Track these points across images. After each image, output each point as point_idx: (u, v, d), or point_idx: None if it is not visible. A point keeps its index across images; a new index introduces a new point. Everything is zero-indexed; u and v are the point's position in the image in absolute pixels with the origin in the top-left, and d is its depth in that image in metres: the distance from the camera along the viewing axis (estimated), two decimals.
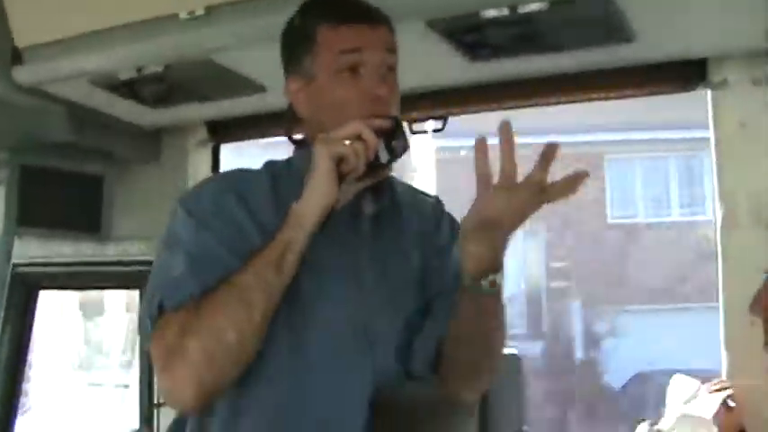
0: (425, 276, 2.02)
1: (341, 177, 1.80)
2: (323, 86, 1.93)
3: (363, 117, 1.85)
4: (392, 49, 1.94)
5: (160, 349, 1.79)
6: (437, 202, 2.17)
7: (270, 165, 2.03)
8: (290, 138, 2.07)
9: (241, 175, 2.01)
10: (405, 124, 1.95)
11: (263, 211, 1.89)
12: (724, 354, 2.83)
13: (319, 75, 1.93)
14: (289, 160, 2.06)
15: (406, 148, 1.86)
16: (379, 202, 2.00)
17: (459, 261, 1.90)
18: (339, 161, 1.79)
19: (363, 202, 1.97)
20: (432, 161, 16.54)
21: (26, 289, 3.94)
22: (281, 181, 1.96)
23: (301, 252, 1.81)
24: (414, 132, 3.15)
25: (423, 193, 2.19)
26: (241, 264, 1.80)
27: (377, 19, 1.94)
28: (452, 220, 2.13)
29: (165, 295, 1.80)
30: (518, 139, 1.68)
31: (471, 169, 1.74)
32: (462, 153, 13.26)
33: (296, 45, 1.98)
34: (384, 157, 1.83)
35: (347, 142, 1.79)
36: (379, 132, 1.81)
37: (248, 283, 1.76)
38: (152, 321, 1.81)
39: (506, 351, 2.37)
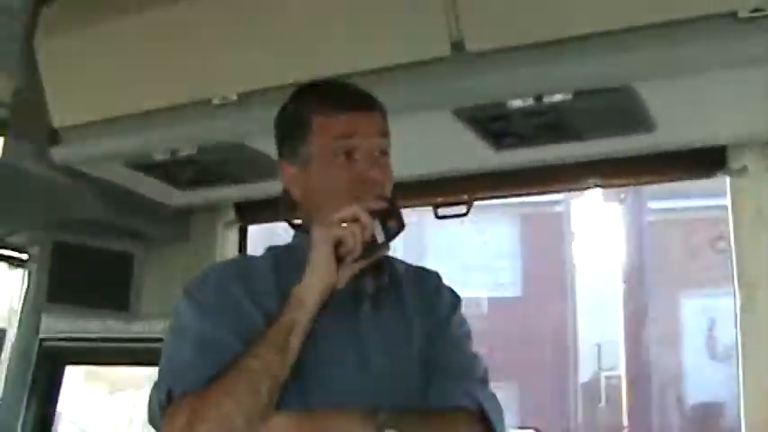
0: (428, 348, 2.03)
1: (340, 259, 1.86)
2: (318, 171, 1.98)
3: (357, 199, 1.89)
4: (384, 134, 2.00)
5: None
6: (437, 276, 2.19)
7: (271, 249, 2.08)
8: (288, 221, 2.14)
9: (243, 260, 2.13)
10: (405, 207, 2.01)
11: (265, 294, 1.93)
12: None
13: (314, 160, 1.99)
14: (288, 244, 2.11)
15: (401, 228, 1.90)
16: (379, 280, 2.03)
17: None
18: (337, 244, 1.84)
19: (364, 281, 2.00)
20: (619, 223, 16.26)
21: (53, 364, 3.97)
22: (281, 264, 2.00)
23: (304, 333, 1.84)
24: (438, 217, 3.20)
25: (423, 268, 2.21)
26: (244, 346, 1.83)
27: (370, 106, 2.00)
28: (452, 292, 2.16)
29: (173, 383, 1.83)
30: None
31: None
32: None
33: (290, 131, 2.05)
34: (380, 237, 1.88)
35: (344, 225, 1.84)
36: (375, 214, 1.87)
37: (254, 368, 1.79)
38: (161, 409, 1.83)
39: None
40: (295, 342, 1.83)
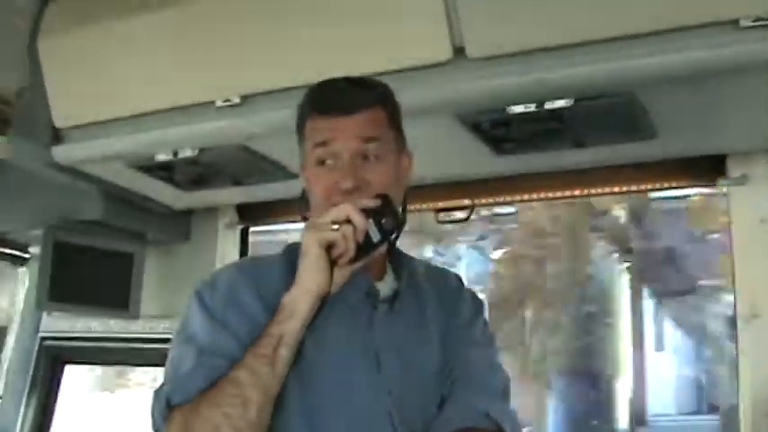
0: (447, 353, 2.00)
1: (333, 263, 1.80)
2: (306, 175, 1.99)
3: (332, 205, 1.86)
4: (369, 137, 1.92)
5: None
6: (458, 278, 2.16)
7: (288, 248, 2.03)
8: (304, 218, 2.07)
9: (256, 263, 2.03)
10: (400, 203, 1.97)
11: (278, 297, 1.87)
12: None
13: (306, 163, 1.98)
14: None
15: (396, 225, 1.87)
16: (396, 283, 2.00)
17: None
18: (329, 247, 1.80)
19: (379, 285, 1.98)
20: None
21: (53, 362, 3.99)
22: (293, 265, 1.93)
23: (296, 344, 1.81)
24: (440, 222, 3.20)
25: (443, 269, 2.20)
26: None
27: (350, 108, 1.93)
28: (474, 295, 2.14)
29: (172, 390, 1.81)
30: None
31: None
32: None
33: (297, 130, 2.02)
34: (375, 236, 1.83)
35: (335, 227, 1.80)
36: (368, 212, 1.82)
37: (242, 380, 1.76)
38: (161, 416, 1.82)
39: None
40: (285, 353, 1.79)
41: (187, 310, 1.94)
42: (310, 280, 1.81)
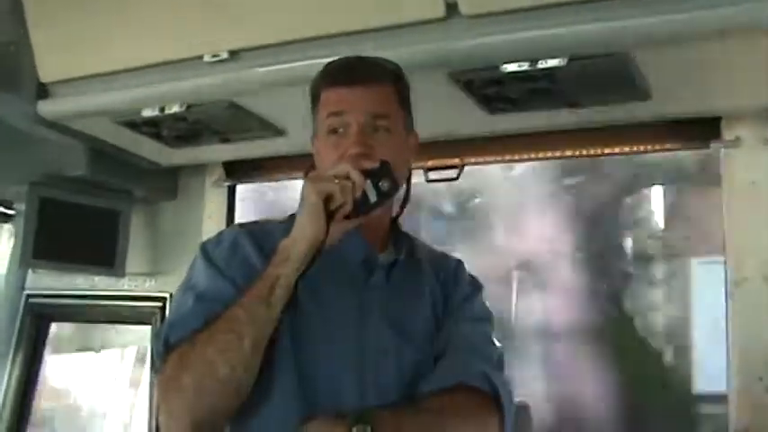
0: (441, 327, 2.05)
1: (330, 215, 1.84)
2: (318, 145, 2.04)
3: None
4: (379, 113, 1.98)
5: (161, 383, 1.87)
6: (458, 262, 2.21)
7: (293, 216, 2.03)
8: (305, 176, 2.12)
9: (262, 225, 2.08)
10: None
11: None
12: (732, 407, 2.80)
13: (318, 133, 2.04)
14: None
15: (394, 188, 1.92)
16: (395, 252, 2.07)
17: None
18: (327, 199, 1.83)
19: (381, 254, 2.04)
20: None
21: (38, 320, 3.98)
22: None
23: (290, 286, 1.84)
24: (429, 180, 3.19)
25: (444, 254, 2.24)
26: None
27: (362, 81, 2.00)
28: (473, 278, 2.19)
29: (169, 332, 1.87)
30: None
31: None
32: None
33: (311, 103, 2.07)
34: (372, 197, 1.88)
35: (336, 181, 1.84)
36: (367, 173, 1.87)
37: (238, 317, 1.80)
38: (159, 355, 1.87)
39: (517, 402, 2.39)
40: (280, 294, 1.83)
41: (191, 264, 2.01)
42: (307, 227, 1.84)
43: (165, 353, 1.85)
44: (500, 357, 2.06)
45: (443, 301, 2.09)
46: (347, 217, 1.86)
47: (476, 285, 2.18)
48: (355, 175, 1.84)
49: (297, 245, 1.84)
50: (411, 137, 2.10)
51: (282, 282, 1.83)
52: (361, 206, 1.87)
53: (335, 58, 2.09)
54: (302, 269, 1.85)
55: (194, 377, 1.78)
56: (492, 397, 1.94)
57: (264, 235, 2.00)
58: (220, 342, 1.78)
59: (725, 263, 2.86)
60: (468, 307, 2.11)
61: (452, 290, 2.12)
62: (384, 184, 1.89)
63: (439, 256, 2.21)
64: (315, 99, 2.06)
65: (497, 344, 2.09)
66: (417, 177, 3.09)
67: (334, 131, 1.98)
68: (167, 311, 3.54)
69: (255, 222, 2.10)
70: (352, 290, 1.98)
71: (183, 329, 1.84)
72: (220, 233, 2.07)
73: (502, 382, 1.97)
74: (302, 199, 1.86)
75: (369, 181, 1.87)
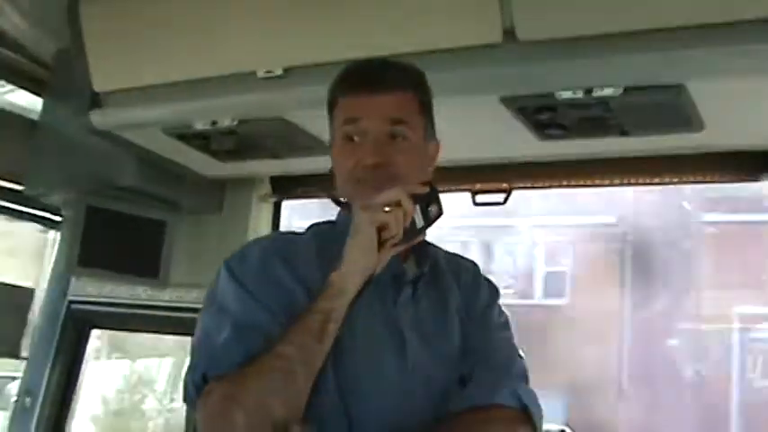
0: (468, 339, 2.03)
1: (380, 244, 1.82)
2: (334, 152, 2.01)
3: (359, 184, 1.91)
4: (398, 119, 1.95)
5: (207, 418, 1.82)
6: (474, 266, 2.19)
7: (315, 228, 2.07)
8: (332, 198, 2.11)
9: (287, 239, 2.06)
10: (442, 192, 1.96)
11: (310, 276, 1.91)
12: None
13: (335, 139, 2.01)
14: (333, 222, 2.10)
15: (440, 213, 1.88)
16: (420, 267, 2.02)
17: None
18: (380, 228, 1.81)
19: (404, 267, 2.00)
20: None
21: (79, 326, 3.99)
22: (326, 244, 1.98)
23: (341, 319, 1.81)
24: (476, 204, 3.18)
25: (461, 257, 2.21)
26: (284, 329, 1.81)
27: (379, 86, 1.96)
28: (490, 283, 2.17)
29: (209, 363, 1.82)
30: None
31: None
32: None
33: (328, 110, 2.05)
34: (419, 222, 1.85)
35: (387, 209, 1.81)
36: (416, 198, 1.84)
37: (291, 355, 1.77)
38: (196, 388, 1.83)
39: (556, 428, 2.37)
40: (332, 329, 1.80)
41: (216, 281, 1.96)
42: (362, 258, 1.82)
43: (203, 384, 1.82)
44: (525, 368, 2.06)
45: (465, 305, 2.07)
46: (395, 244, 1.84)
47: (494, 289, 2.16)
48: (408, 204, 1.81)
49: (351, 277, 1.81)
50: (431, 145, 2.05)
51: (335, 316, 1.80)
52: (409, 233, 1.85)
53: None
54: (353, 301, 1.83)
55: (247, 415, 1.74)
56: (522, 412, 1.93)
57: (291, 250, 1.97)
58: (274, 381, 1.76)
59: None
60: (490, 315, 2.09)
61: (473, 295, 2.10)
62: (432, 209, 1.87)
63: (456, 260, 2.18)
64: (332, 104, 2.03)
65: (521, 353, 2.09)
66: (464, 200, 3.10)
67: (350, 139, 1.96)
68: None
69: (279, 236, 2.09)
70: (383, 307, 1.94)
71: (223, 363, 1.80)
72: (244, 250, 2.02)
73: (531, 397, 1.97)
74: (355, 229, 1.83)
75: (417, 206, 1.84)
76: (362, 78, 1.99)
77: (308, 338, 1.78)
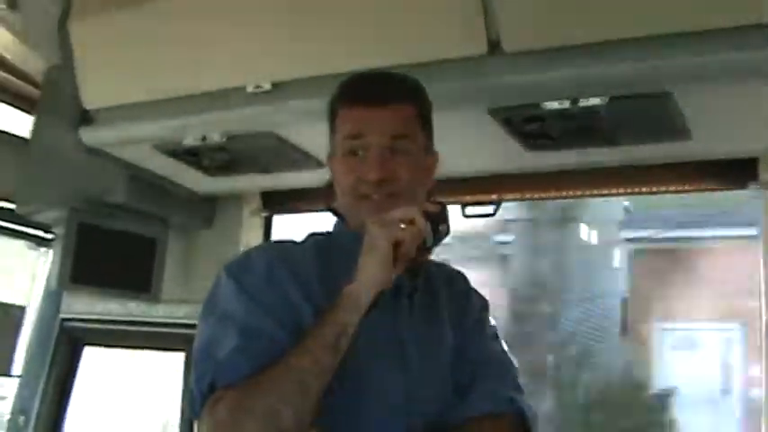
0: (461, 351, 2.05)
1: (394, 260, 1.82)
2: (335, 164, 2.03)
3: (357, 196, 1.95)
4: (400, 134, 1.97)
5: (214, 426, 1.79)
6: (465, 278, 2.21)
7: (314, 237, 2.07)
8: (329, 208, 2.13)
9: (289, 247, 2.04)
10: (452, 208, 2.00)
11: (312, 285, 1.91)
12: None
13: (335, 152, 2.03)
14: (330, 232, 2.11)
15: (448, 231, 1.90)
16: (415, 279, 2.03)
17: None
18: (395, 244, 1.81)
19: (401, 280, 1.98)
20: None
21: (72, 344, 3.99)
22: (325, 254, 1.99)
23: (354, 332, 1.81)
24: (466, 216, 3.18)
25: (451, 268, 2.22)
26: (292, 338, 1.81)
27: (382, 101, 1.98)
28: (480, 294, 2.19)
29: (217, 373, 1.80)
30: None
31: None
32: None
33: (329, 121, 2.06)
34: (429, 240, 1.86)
35: (403, 226, 1.82)
36: (428, 216, 1.85)
37: (304, 367, 1.77)
38: (202, 397, 1.81)
39: None
40: (345, 343, 1.80)
41: (216, 287, 1.95)
42: (378, 273, 1.81)
43: (210, 393, 1.80)
44: (517, 375, 2.09)
45: (457, 314, 2.09)
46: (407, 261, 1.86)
47: (484, 300, 2.19)
48: (421, 222, 1.82)
49: (366, 291, 1.81)
50: (430, 158, 2.08)
51: (349, 330, 1.80)
52: (422, 250, 1.87)
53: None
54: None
55: (258, 426, 1.73)
56: (521, 420, 1.98)
57: (293, 259, 1.97)
58: (287, 393, 1.75)
59: (761, 306, 2.84)
60: (482, 327, 2.12)
61: (466, 304, 2.13)
62: (442, 228, 1.88)
63: (446, 270, 2.19)
64: (333, 116, 2.04)
65: (513, 360, 2.12)
66: (454, 212, 3.10)
67: (353, 153, 1.97)
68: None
69: (280, 243, 2.08)
70: (383, 319, 1.92)
71: (232, 373, 1.79)
72: (248, 255, 2.02)
73: (526, 403, 2.01)
74: (371, 244, 1.82)
75: (428, 224, 1.85)
76: (365, 92, 2.00)
77: (322, 351, 1.78)
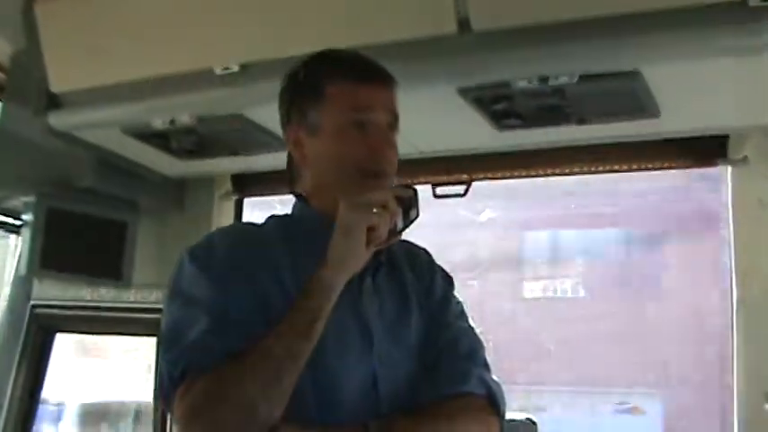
0: (427, 330, 2.03)
1: (366, 244, 1.81)
2: (329, 140, 1.95)
3: (365, 172, 1.90)
4: (396, 111, 1.98)
5: (185, 412, 1.76)
6: (427, 253, 2.19)
7: (275, 219, 2.04)
8: (291, 190, 2.09)
9: (252, 230, 2.02)
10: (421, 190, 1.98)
11: (278, 267, 1.89)
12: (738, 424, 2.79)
13: (325, 128, 1.96)
14: (292, 214, 2.07)
15: (418, 215, 1.89)
16: (378, 257, 1.99)
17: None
18: (369, 229, 1.80)
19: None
20: None
21: (44, 331, 3.97)
22: (289, 235, 1.97)
23: (327, 317, 1.79)
24: (437, 196, 3.18)
25: (412, 245, 2.19)
26: (261, 321, 1.78)
27: (384, 80, 1.98)
28: (444, 271, 2.17)
29: (189, 360, 1.77)
30: None
31: None
32: None
33: (301, 97, 2.01)
34: (400, 224, 1.86)
35: (375, 211, 1.80)
36: (400, 201, 1.84)
37: (278, 354, 1.74)
38: (173, 383, 1.78)
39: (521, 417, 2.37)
40: (319, 327, 1.78)
41: (180, 272, 1.91)
42: (352, 258, 1.81)
43: (181, 379, 1.77)
44: (484, 353, 2.07)
45: (422, 292, 2.07)
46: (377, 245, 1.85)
47: (449, 278, 2.16)
48: (394, 206, 1.82)
49: (338, 275, 1.80)
50: None
51: (322, 314, 1.78)
52: (391, 234, 1.86)
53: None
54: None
55: (232, 412, 1.71)
56: (489, 398, 1.96)
57: (257, 241, 1.94)
58: (260, 380, 1.72)
59: (731, 282, 2.86)
60: (449, 303, 2.10)
61: (430, 282, 2.10)
62: (413, 212, 1.87)
63: (409, 247, 2.16)
64: (317, 92, 1.98)
65: (480, 338, 2.09)
66: (425, 193, 3.10)
67: (360, 127, 1.93)
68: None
69: (241, 225, 2.05)
70: (350, 298, 1.90)
71: (204, 359, 1.75)
72: (210, 239, 1.98)
73: (496, 385, 1.99)
74: (344, 228, 1.81)
75: (399, 208, 1.84)
76: (368, 70, 1.98)
77: (295, 337, 1.76)
